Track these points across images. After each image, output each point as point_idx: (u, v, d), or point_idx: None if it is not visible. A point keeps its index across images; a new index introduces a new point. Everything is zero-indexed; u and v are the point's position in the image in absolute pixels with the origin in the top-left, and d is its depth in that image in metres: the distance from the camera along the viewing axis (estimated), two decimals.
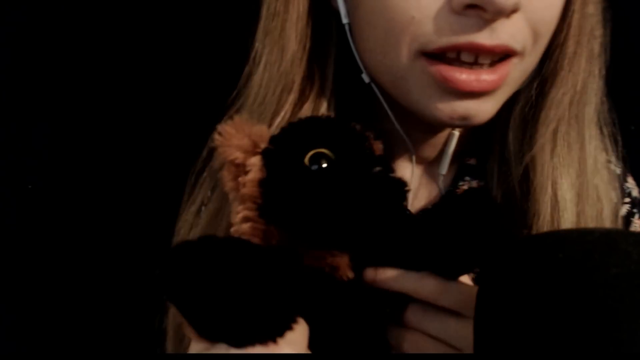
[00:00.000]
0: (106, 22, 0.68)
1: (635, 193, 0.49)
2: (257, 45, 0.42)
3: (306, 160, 0.31)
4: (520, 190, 0.42)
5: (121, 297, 0.71)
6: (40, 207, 0.69)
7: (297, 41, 0.41)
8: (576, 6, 0.40)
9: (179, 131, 0.70)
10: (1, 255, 0.69)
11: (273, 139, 0.33)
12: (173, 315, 0.45)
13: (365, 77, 0.41)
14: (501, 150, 0.44)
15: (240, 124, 0.33)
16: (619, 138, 0.45)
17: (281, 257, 0.29)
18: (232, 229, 0.33)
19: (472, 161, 0.47)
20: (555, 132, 0.41)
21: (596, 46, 0.41)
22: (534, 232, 0.41)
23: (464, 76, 0.34)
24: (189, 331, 0.28)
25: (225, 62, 0.67)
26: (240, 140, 0.32)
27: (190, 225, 0.47)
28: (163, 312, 0.52)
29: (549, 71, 0.41)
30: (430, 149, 0.46)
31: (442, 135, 0.45)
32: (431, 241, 0.32)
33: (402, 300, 0.34)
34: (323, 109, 0.42)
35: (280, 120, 0.41)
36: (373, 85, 0.42)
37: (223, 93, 0.69)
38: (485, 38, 0.34)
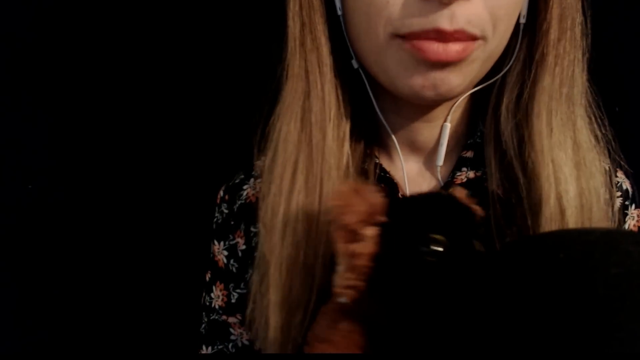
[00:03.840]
0: (109, 22, 0.68)
1: (625, 185, 0.52)
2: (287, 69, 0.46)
3: (421, 244, 0.31)
4: (521, 173, 0.45)
5: (122, 297, 0.71)
6: (40, 207, 0.69)
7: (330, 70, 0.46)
8: None
9: (178, 131, 0.70)
10: (1, 255, 0.68)
11: (390, 212, 0.33)
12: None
13: (354, 63, 0.47)
14: (496, 138, 0.47)
15: (357, 188, 0.34)
16: (605, 118, 0.47)
17: None
18: (337, 290, 0.34)
19: (469, 154, 0.50)
20: (549, 113, 0.45)
21: (578, 32, 0.45)
22: (539, 212, 0.43)
23: (433, 46, 0.39)
24: None
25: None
26: (358, 206, 0.33)
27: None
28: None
29: (536, 58, 0.45)
30: (426, 140, 0.49)
31: (437, 126, 0.49)
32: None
33: None
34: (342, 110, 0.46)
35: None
36: (361, 72, 0.47)
37: (222, 93, 0.70)
38: (446, 23, 0.38)
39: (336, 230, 0.34)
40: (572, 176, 0.44)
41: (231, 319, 0.53)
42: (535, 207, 0.43)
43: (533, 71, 0.45)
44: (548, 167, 0.44)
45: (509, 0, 0.40)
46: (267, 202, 0.46)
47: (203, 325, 0.54)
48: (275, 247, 0.45)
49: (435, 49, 0.39)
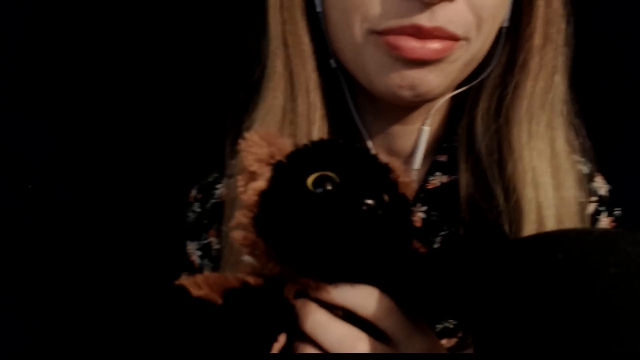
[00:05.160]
0: (106, 22, 0.68)
1: (602, 192, 0.51)
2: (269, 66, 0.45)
3: (310, 180, 0.30)
4: (498, 178, 0.44)
5: (121, 297, 0.71)
6: (40, 207, 0.70)
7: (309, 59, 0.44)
8: (540, 0, 0.43)
9: (178, 131, 0.70)
10: (1, 255, 0.69)
11: (290, 155, 0.32)
12: None
13: (332, 63, 0.45)
14: (469, 141, 0.47)
15: (265, 133, 0.33)
16: (582, 128, 0.47)
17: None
18: (230, 234, 0.33)
19: (443, 158, 0.49)
20: (530, 120, 0.44)
21: (561, 39, 0.44)
22: (519, 219, 0.42)
23: (410, 43, 0.38)
24: None
25: (225, 63, 0.68)
26: (260, 149, 0.32)
27: None
28: None
29: (519, 62, 0.44)
30: (404, 144, 0.48)
31: (415, 130, 0.48)
32: (422, 287, 0.31)
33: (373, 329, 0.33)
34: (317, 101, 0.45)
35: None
36: (339, 72, 0.46)
37: (223, 94, 0.69)
38: (425, 20, 0.37)
39: (239, 175, 0.33)
40: (551, 185, 0.43)
41: None
42: (515, 213, 0.43)
43: (515, 76, 0.44)
44: (528, 175, 0.43)
45: (495, 3, 0.39)
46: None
47: None
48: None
49: (412, 46, 0.38)
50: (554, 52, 0.44)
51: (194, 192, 0.55)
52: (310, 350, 0.32)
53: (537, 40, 0.43)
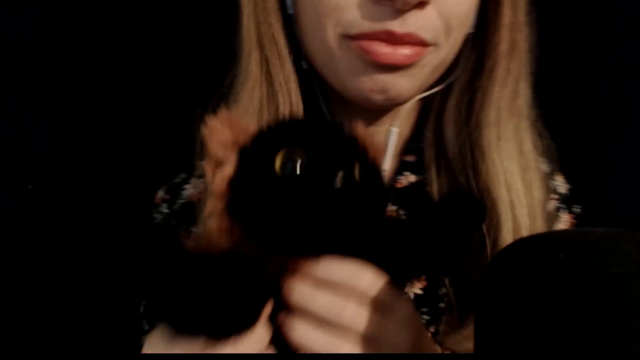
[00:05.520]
0: (104, 21, 0.68)
1: (562, 190, 0.53)
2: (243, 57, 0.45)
3: (277, 162, 0.30)
4: (473, 180, 0.45)
5: (120, 297, 0.71)
6: (40, 207, 0.69)
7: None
8: (506, 9, 0.44)
9: (178, 130, 0.70)
10: (1, 255, 0.68)
11: (254, 136, 0.32)
12: None
13: (304, 64, 0.46)
14: (439, 143, 0.48)
15: (227, 117, 0.33)
16: (544, 130, 0.48)
17: (244, 266, 0.30)
18: (203, 223, 0.33)
19: (411, 158, 0.50)
20: (499, 123, 0.45)
21: (526, 45, 0.46)
22: (495, 219, 0.43)
23: (382, 49, 0.39)
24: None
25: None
26: (223, 135, 0.32)
27: None
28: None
29: (487, 68, 0.46)
30: None
31: (384, 131, 0.48)
32: (399, 252, 0.33)
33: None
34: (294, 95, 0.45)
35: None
36: (311, 74, 0.46)
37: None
38: (396, 26, 0.38)
39: (206, 163, 0.33)
40: (521, 185, 0.44)
41: None
42: (490, 212, 0.44)
43: (483, 82, 0.46)
44: (500, 176, 0.44)
45: (463, 10, 0.41)
46: None
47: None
48: None
49: (384, 51, 0.39)
50: (520, 58, 0.45)
51: (160, 194, 0.54)
52: (298, 321, 0.32)
53: (503, 46, 0.45)
